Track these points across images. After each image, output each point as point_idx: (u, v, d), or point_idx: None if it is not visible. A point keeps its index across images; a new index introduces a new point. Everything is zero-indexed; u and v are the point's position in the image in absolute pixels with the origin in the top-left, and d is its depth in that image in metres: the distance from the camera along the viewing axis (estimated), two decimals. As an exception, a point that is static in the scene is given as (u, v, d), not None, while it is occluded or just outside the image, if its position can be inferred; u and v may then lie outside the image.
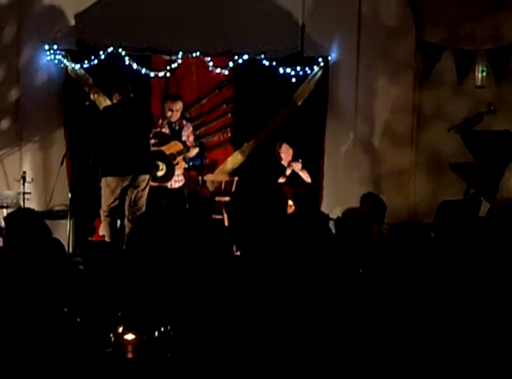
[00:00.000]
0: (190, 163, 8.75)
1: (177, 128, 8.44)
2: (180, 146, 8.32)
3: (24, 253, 4.05)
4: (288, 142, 8.86)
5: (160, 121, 8.38)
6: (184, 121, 8.56)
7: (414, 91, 9.46)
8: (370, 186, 8.93)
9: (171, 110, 8.33)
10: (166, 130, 8.38)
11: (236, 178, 9.14)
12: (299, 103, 9.45)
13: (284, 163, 8.81)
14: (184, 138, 8.42)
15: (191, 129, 8.63)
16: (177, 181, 8.40)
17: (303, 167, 8.80)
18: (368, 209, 6.23)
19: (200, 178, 8.60)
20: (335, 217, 7.21)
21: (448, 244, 4.37)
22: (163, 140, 8.29)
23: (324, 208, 8.72)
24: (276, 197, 6.42)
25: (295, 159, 8.78)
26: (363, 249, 4.78)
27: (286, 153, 8.81)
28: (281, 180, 8.69)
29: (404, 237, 3.59)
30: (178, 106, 8.40)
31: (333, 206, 8.52)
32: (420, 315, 3.31)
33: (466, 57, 9.13)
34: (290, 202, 8.02)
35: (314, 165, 9.28)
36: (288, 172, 8.74)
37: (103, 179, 7.70)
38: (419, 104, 9.50)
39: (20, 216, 4.38)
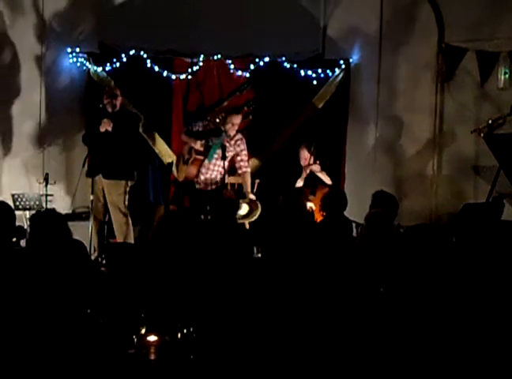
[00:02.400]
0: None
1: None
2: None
3: (47, 254, 4.07)
4: (307, 145, 8.80)
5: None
6: (238, 136, 8.51)
7: (436, 94, 9.41)
8: (391, 189, 8.86)
9: (232, 124, 8.33)
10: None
11: (257, 181, 9.12)
12: (320, 106, 9.43)
13: (303, 165, 8.76)
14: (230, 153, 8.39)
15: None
16: (209, 185, 8.39)
17: (323, 169, 8.73)
18: (384, 208, 6.16)
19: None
20: (355, 219, 7.24)
21: (470, 247, 4.34)
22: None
23: (345, 211, 8.68)
24: (290, 200, 6.40)
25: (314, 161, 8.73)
26: (387, 252, 4.76)
27: (302, 156, 8.75)
28: (299, 183, 8.63)
29: (422, 239, 3.57)
30: (239, 120, 8.41)
31: (354, 208, 8.48)
32: (441, 318, 3.29)
33: (489, 58, 9.07)
34: (311, 205, 8.00)
35: (336, 167, 9.25)
36: (304, 175, 8.67)
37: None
38: (442, 106, 9.45)
39: (45, 217, 4.40)
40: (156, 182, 9.41)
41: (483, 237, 4.43)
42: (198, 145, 8.30)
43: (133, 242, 8.06)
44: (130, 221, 8.08)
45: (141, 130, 8.56)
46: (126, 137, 7.89)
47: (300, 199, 6.53)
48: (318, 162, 8.68)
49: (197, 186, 8.38)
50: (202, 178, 8.36)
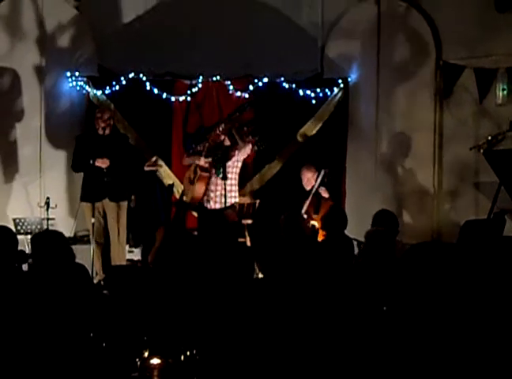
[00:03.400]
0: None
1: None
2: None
3: (50, 277, 4.07)
4: (309, 166, 8.75)
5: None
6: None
7: (435, 111, 9.43)
8: (392, 206, 8.87)
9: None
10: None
11: (258, 201, 9.12)
12: (320, 125, 9.46)
13: (306, 187, 8.70)
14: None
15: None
16: (217, 203, 8.19)
17: (322, 185, 8.66)
18: (386, 227, 6.16)
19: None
20: (356, 237, 7.24)
21: (472, 264, 4.33)
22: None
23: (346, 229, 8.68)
24: (291, 220, 6.40)
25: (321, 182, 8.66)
26: (388, 270, 4.75)
27: (306, 177, 8.70)
28: (305, 206, 8.52)
29: (426, 257, 3.57)
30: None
31: (355, 226, 8.48)
32: (443, 337, 3.28)
33: (486, 75, 9.09)
34: (315, 223, 7.99)
35: (336, 186, 9.26)
36: (310, 198, 8.57)
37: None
38: (441, 123, 9.46)
39: (47, 237, 4.41)
40: (157, 203, 9.42)
41: (485, 253, 4.42)
42: (202, 162, 8.19)
43: (125, 263, 8.06)
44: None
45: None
46: (123, 158, 7.90)
47: (301, 219, 6.55)
48: (324, 188, 8.60)
49: (207, 205, 8.22)
50: (212, 195, 8.19)
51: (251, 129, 8.87)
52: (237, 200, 8.28)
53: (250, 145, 8.18)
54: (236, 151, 8.18)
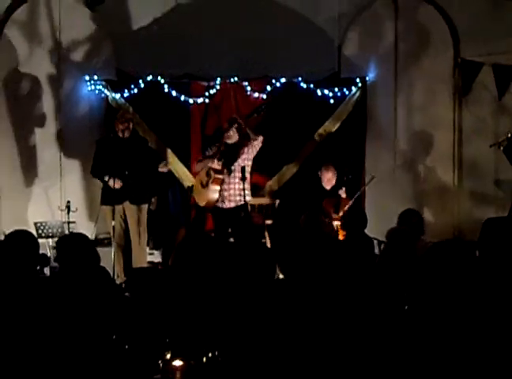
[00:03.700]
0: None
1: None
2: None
3: (74, 280, 4.10)
4: (329, 166, 8.74)
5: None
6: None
7: (454, 108, 9.40)
8: (412, 204, 8.85)
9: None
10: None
11: (278, 201, 9.13)
12: (338, 124, 9.45)
13: (325, 186, 8.70)
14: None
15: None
16: (232, 201, 8.18)
17: (342, 185, 8.66)
18: (412, 227, 6.15)
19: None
20: (377, 236, 7.22)
21: (493, 262, 4.31)
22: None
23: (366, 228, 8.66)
24: (312, 219, 6.39)
25: (339, 182, 8.66)
26: (410, 269, 4.74)
27: (326, 177, 8.71)
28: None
29: (448, 255, 3.56)
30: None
31: (375, 225, 8.46)
32: (465, 335, 3.27)
33: (505, 72, 9.05)
34: (336, 223, 7.98)
35: (356, 184, 9.24)
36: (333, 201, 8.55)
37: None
38: (460, 121, 9.43)
39: (72, 241, 4.44)
40: (177, 205, 9.44)
41: (506, 251, 4.39)
42: (216, 164, 8.17)
43: (146, 265, 8.08)
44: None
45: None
46: (143, 161, 7.92)
47: (322, 218, 6.53)
48: (344, 189, 8.60)
49: (219, 205, 8.18)
50: (225, 194, 8.15)
51: (263, 113, 8.64)
52: (250, 198, 8.24)
53: (261, 138, 8.13)
54: (246, 149, 8.13)
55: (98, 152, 8.06)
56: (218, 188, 8.13)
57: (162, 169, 7.94)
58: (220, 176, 8.14)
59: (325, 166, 8.72)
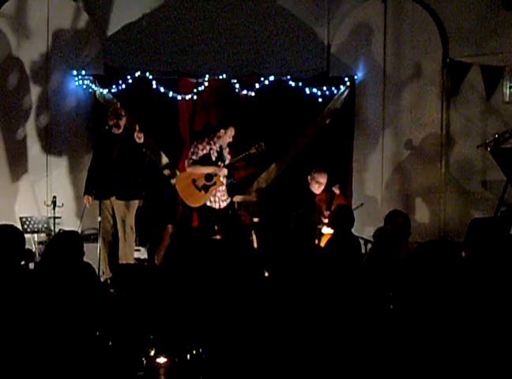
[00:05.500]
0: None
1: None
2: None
3: (58, 276, 4.07)
4: (319, 171, 8.63)
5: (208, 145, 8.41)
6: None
7: (442, 109, 9.41)
8: (399, 204, 8.89)
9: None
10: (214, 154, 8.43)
11: (264, 199, 9.12)
12: (326, 123, 9.44)
13: (314, 190, 8.58)
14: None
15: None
16: (224, 201, 8.46)
17: (336, 181, 8.64)
18: (398, 227, 6.16)
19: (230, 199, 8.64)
20: (364, 235, 7.23)
21: (479, 262, 4.32)
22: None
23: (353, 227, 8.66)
24: (302, 217, 6.37)
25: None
26: (394, 269, 4.74)
27: (320, 180, 8.58)
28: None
29: (432, 255, 3.56)
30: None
31: (362, 225, 8.47)
32: (450, 334, 3.27)
33: (493, 73, 9.07)
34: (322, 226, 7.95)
35: (343, 184, 9.23)
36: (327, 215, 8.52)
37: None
38: (448, 121, 9.45)
39: (68, 239, 4.42)
40: (164, 203, 9.41)
41: (492, 251, 4.41)
42: (225, 172, 8.38)
43: (132, 262, 8.06)
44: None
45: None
46: (135, 157, 7.89)
47: (312, 217, 6.52)
48: (338, 185, 8.55)
49: (211, 205, 8.37)
50: (218, 195, 8.42)
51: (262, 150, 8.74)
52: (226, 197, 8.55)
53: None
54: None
55: (96, 152, 8.21)
56: (215, 192, 8.36)
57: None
58: (224, 185, 8.42)
59: (317, 171, 8.54)
